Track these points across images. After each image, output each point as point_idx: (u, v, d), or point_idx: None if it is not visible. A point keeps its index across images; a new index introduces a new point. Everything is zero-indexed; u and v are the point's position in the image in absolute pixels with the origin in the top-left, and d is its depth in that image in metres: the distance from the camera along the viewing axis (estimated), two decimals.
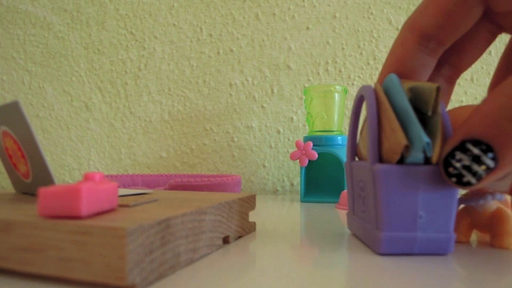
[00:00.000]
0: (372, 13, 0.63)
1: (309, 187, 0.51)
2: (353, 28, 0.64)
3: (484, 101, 0.18)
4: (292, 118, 0.65)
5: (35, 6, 0.73)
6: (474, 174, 0.17)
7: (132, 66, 0.70)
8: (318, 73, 0.64)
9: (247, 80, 0.66)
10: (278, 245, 0.24)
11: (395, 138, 0.20)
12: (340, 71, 0.64)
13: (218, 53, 0.67)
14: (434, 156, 0.20)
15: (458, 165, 0.17)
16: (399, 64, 0.22)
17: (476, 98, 0.61)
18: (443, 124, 0.21)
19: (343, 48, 0.64)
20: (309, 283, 0.17)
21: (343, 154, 0.49)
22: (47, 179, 0.24)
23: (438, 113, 0.21)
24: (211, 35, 0.67)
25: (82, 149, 0.71)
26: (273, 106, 0.65)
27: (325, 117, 0.52)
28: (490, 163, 0.16)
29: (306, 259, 0.22)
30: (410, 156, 0.20)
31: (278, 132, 0.65)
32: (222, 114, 0.67)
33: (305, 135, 0.57)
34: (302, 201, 0.49)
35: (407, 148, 0.20)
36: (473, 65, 0.61)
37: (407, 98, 0.22)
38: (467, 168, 0.17)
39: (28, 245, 0.17)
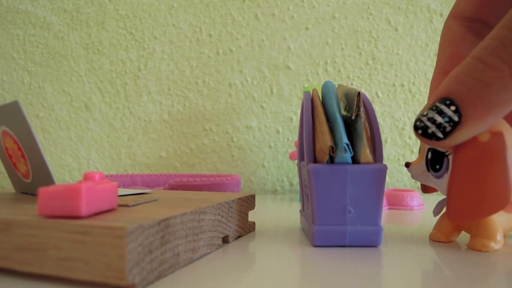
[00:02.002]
0: (371, 14, 0.63)
1: None
2: (352, 28, 0.64)
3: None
4: (291, 118, 0.65)
5: (35, 6, 0.73)
6: (439, 126, 0.18)
7: (131, 66, 0.70)
8: (317, 73, 0.65)
9: (247, 80, 0.66)
10: (277, 245, 0.25)
11: (324, 140, 0.23)
12: (339, 71, 0.64)
13: (218, 53, 0.67)
14: (362, 156, 0.23)
15: (424, 118, 0.18)
16: (453, 48, 0.22)
17: None
18: (368, 126, 0.23)
19: (342, 48, 0.64)
20: (309, 282, 0.17)
21: None
22: (47, 179, 0.24)
23: (360, 116, 0.23)
24: (210, 35, 0.67)
25: (82, 149, 0.71)
26: (272, 106, 0.66)
27: None
28: (454, 116, 0.17)
29: (306, 259, 0.22)
30: (337, 156, 0.23)
31: (278, 132, 0.65)
32: (221, 114, 0.67)
33: None
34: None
35: (333, 149, 0.23)
36: None
37: (336, 103, 0.24)
38: (432, 121, 0.18)
39: (28, 244, 0.17)
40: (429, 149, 0.24)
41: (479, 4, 0.22)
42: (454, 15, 0.23)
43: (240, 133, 0.66)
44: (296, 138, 0.65)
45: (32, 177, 0.26)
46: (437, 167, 0.23)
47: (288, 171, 0.65)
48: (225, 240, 0.25)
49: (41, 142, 0.72)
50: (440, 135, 0.18)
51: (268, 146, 0.65)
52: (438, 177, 0.23)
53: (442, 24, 0.62)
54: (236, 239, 0.26)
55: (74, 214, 0.17)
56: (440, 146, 0.19)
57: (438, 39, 0.62)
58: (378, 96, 0.63)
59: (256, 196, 0.58)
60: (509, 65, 0.16)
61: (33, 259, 0.17)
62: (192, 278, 0.18)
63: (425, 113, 0.18)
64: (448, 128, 0.17)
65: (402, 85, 0.63)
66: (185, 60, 0.68)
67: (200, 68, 0.68)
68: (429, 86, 0.24)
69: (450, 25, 0.23)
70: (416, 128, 0.18)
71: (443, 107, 0.17)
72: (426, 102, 0.62)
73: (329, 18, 0.64)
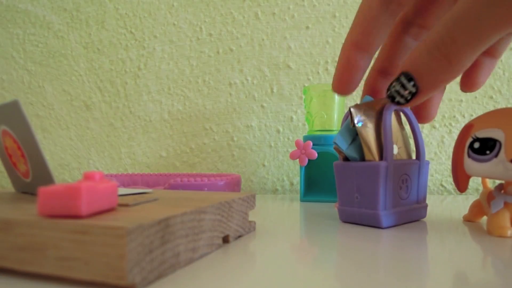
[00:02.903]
0: None
1: (308, 187, 0.51)
2: None
3: None
4: (291, 118, 0.65)
5: (35, 5, 0.72)
6: (402, 96, 0.24)
7: (131, 65, 0.70)
8: (318, 73, 0.64)
9: (247, 80, 0.66)
10: (277, 245, 0.24)
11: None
12: None
13: (218, 52, 0.67)
14: (366, 155, 0.29)
15: (392, 89, 0.25)
16: (365, 24, 0.27)
17: (475, 97, 0.61)
18: (363, 133, 0.29)
19: None
20: (309, 282, 0.17)
21: None
22: (47, 179, 0.24)
23: (355, 126, 0.29)
24: (210, 35, 0.67)
25: (82, 148, 0.71)
26: (272, 105, 0.65)
27: (325, 116, 0.52)
28: (412, 89, 0.24)
29: (306, 258, 0.22)
30: (346, 155, 0.30)
31: (278, 131, 0.65)
32: (221, 114, 0.67)
33: (304, 134, 0.57)
34: (302, 200, 0.49)
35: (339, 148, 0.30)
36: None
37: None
38: (397, 92, 0.25)
39: (28, 244, 0.17)
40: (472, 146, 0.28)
41: (371, 38, 0.27)
42: (352, 43, 0.28)
43: (240, 133, 0.66)
44: (296, 137, 0.64)
45: (32, 177, 0.26)
46: (487, 152, 0.27)
47: (288, 170, 0.65)
48: (226, 239, 0.25)
49: (41, 142, 0.72)
50: (403, 102, 0.25)
51: (268, 146, 0.65)
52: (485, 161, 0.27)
53: None
54: (236, 238, 0.26)
55: (74, 213, 0.17)
56: (405, 107, 0.26)
57: None
58: None
59: (256, 195, 0.58)
60: (448, 59, 0.22)
61: (33, 259, 0.17)
62: (192, 278, 0.18)
63: (393, 85, 0.25)
64: (409, 97, 0.24)
65: None
66: (185, 59, 0.68)
67: (200, 67, 0.68)
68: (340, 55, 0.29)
69: (370, 2, 0.27)
70: (388, 96, 0.25)
71: (405, 82, 0.24)
72: None
73: (330, 17, 0.64)
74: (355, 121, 0.29)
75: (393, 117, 0.32)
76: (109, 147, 0.70)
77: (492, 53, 0.27)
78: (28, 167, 0.26)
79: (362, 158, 0.30)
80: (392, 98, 0.25)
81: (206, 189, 0.41)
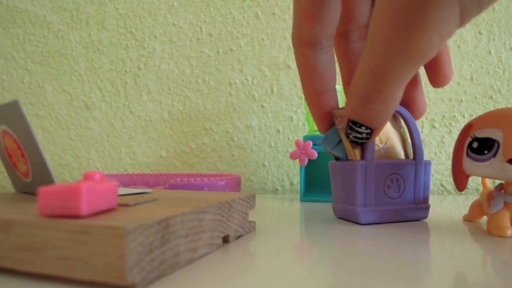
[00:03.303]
0: None
1: (308, 187, 0.51)
2: None
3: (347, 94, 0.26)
4: (291, 118, 0.65)
5: (35, 5, 0.73)
6: (362, 139, 0.26)
7: (131, 65, 0.70)
8: None
9: (247, 80, 0.66)
10: (278, 244, 0.24)
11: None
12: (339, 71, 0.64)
13: (218, 52, 0.67)
14: (349, 155, 0.31)
15: (351, 137, 0.27)
16: (314, 74, 0.27)
17: (475, 97, 0.61)
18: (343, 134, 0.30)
19: None
20: (309, 282, 0.17)
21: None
22: (47, 178, 0.24)
23: (339, 128, 0.30)
24: (210, 35, 0.67)
25: (82, 148, 0.71)
26: (272, 105, 0.65)
27: None
28: (367, 131, 0.25)
29: (306, 258, 0.22)
30: (334, 155, 0.33)
31: (278, 131, 0.65)
32: (221, 114, 0.67)
33: (304, 134, 0.57)
34: (302, 200, 0.49)
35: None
36: (472, 65, 0.61)
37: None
38: (356, 137, 0.26)
39: (28, 244, 0.17)
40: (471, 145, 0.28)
41: (322, 27, 0.25)
42: (302, 43, 0.26)
43: (240, 133, 0.66)
44: (296, 137, 0.64)
45: (32, 177, 0.26)
46: (485, 152, 0.27)
47: (288, 170, 0.65)
48: (226, 239, 0.25)
49: (41, 142, 0.72)
50: (364, 141, 0.27)
51: (268, 146, 0.65)
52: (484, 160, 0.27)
53: None
54: (236, 238, 0.26)
55: (74, 213, 0.17)
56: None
57: None
58: None
59: (256, 195, 0.58)
60: (381, 104, 0.23)
61: (33, 259, 0.17)
62: (192, 278, 0.18)
63: (349, 132, 0.27)
64: (368, 137, 0.26)
65: None
66: (185, 59, 0.68)
67: (200, 67, 0.68)
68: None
69: (304, 54, 0.27)
70: (350, 141, 0.27)
71: (357, 129, 0.26)
72: (426, 101, 0.61)
73: None
74: (336, 123, 0.30)
75: None
76: (109, 147, 0.70)
77: None
78: (28, 167, 0.26)
79: (348, 158, 0.31)
80: (355, 143, 0.27)
81: (206, 189, 0.41)
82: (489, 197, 0.30)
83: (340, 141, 0.31)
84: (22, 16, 0.73)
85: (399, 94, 0.23)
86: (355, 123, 0.25)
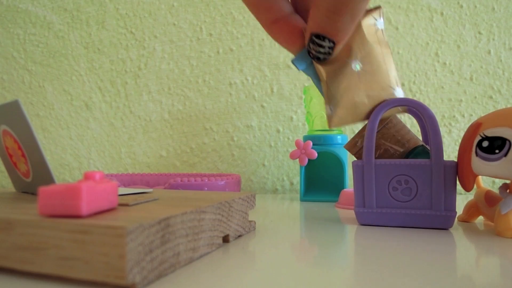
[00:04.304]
0: None
1: (308, 186, 0.51)
2: None
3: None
4: (291, 117, 0.65)
5: (35, 6, 0.73)
6: (325, 53, 0.26)
7: (132, 65, 0.70)
8: None
9: (247, 80, 0.66)
10: (277, 244, 0.25)
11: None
12: None
13: (218, 52, 0.67)
14: (319, 75, 0.29)
15: (313, 52, 0.26)
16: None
17: (475, 97, 0.61)
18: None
19: None
20: (308, 282, 0.17)
21: (342, 153, 0.49)
22: (47, 178, 0.24)
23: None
24: (211, 35, 0.67)
25: (82, 148, 0.71)
26: (272, 105, 0.66)
27: (325, 116, 0.52)
28: (329, 44, 0.25)
29: (306, 258, 0.22)
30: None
31: (278, 131, 0.65)
32: (222, 113, 0.67)
33: (304, 134, 0.57)
34: (302, 200, 0.49)
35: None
36: (472, 65, 0.61)
37: None
38: (319, 52, 0.26)
39: (29, 244, 0.17)
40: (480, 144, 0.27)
41: None
42: None
43: (240, 132, 0.66)
44: (296, 137, 0.65)
45: (33, 176, 0.26)
46: (496, 151, 0.26)
47: (288, 170, 0.65)
48: (226, 239, 0.25)
49: (41, 141, 0.72)
50: (327, 56, 0.26)
51: (268, 146, 0.65)
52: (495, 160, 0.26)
53: (443, 23, 0.62)
54: (236, 238, 0.26)
55: (74, 213, 0.17)
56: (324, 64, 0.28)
57: (439, 38, 0.62)
58: None
59: (256, 195, 0.58)
60: (351, 15, 0.23)
61: (34, 258, 0.17)
62: (192, 277, 0.18)
63: (311, 46, 0.26)
64: (329, 51, 0.26)
65: (403, 85, 0.63)
66: (186, 59, 0.68)
67: (200, 67, 0.68)
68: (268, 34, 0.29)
69: None
70: (312, 57, 0.27)
71: (320, 42, 0.25)
72: (426, 101, 0.61)
73: None
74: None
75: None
76: (109, 147, 0.70)
77: None
78: (28, 166, 0.26)
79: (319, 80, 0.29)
80: (317, 59, 0.27)
81: (206, 189, 0.41)
82: (487, 197, 0.30)
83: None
84: (23, 16, 0.73)
85: (365, 5, 0.23)
86: (318, 36, 0.25)
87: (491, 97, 0.61)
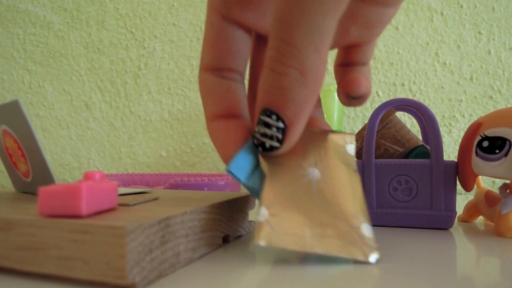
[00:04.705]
0: None
1: None
2: None
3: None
4: None
5: (35, 5, 0.73)
6: (271, 137, 0.19)
7: (132, 65, 0.70)
8: None
9: (247, 80, 0.66)
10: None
11: None
12: None
13: None
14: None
15: (257, 135, 0.19)
16: (213, 97, 0.23)
17: (475, 97, 0.61)
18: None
19: None
20: (308, 282, 0.17)
21: None
22: (47, 178, 0.24)
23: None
24: None
25: (82, 148, 0.71)
26: None
27: (325, 116, 0.52)
28: (279, 124, 0.18)
29: (306, 258, 0.22)
30: None
31: None
32: None
33: None
34: None
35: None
36: (472, 65, 0.61)
37: None
38: (264, 135, 0.19)
39: (28, 244, 0.17)
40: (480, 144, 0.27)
41: (222, 55, 0.22)
42: (205, 68, 0.22)
43: None
44: None
45: (32, 176, 0.26)
46: (497, 151, 0.26)
47: None
48: (226, 239, 0.25)
49: (41, 141, 0.72)
50: (276, 144, 0.19)
51: None
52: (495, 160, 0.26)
53: (443, 23, 0.62)
54: (236, 238, 0.26)
55: (74, 213, 0.17)
56: (281, 153, 0.20)
57: (439, 38, 0.62)
58: (378, 96, 0.63)
59: None
60: (295, 68, 0.17)
61: (34, 259, 0.17)
62: (192, 277, 0.18)
63: (256, 131, 0.19)
64: (280, 136, 0.19)
65: (403, 84, 0.63)
66: (186, 59, 0.68)
67: None
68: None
69: (204, 78, 0.23)
70: (256, 146, 0.20)
71: (266, 119, 0.19)
72: (426, 101, 0.61)
73: None
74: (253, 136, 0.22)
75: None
76: (109, 146, 0.70)
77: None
78: (28, 166, 0.26)
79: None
80: (262, 146, 0.19)
81: (206, 189, 0.41)
82: (487, 197, 0.30)
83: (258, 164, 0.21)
84: (23, 16, 0.73)
85: (319, 58, 0.18)
86: (266, 111, 0.19)
87: (491, 97, 0.61)
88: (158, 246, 0.17)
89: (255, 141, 0.20)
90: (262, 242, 0.18)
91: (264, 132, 0.19)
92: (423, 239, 0.26)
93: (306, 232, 0.19)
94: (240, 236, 0.27)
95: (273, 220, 0.19)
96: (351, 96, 0.23)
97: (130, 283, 0.15)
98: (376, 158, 0.31)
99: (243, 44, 0.22)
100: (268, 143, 0.19)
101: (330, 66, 0.64)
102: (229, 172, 0.20)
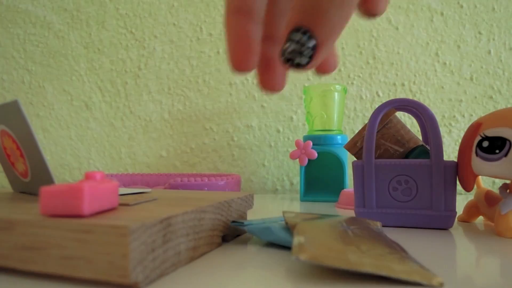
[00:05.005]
0: None
1: (308, 186, 0.51)
2: (353, 27, 0.64)
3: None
4: (291, 118, 0.65)
5: (35, 6, 0.73)
6: (301, 54, 0.19)
7: (132, 65, 0.70)
8: None
9: (247, 80, 0.66)
10: (277, 244, 0.25)
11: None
12: (339, 70, 0.64)
13: (218, 52, 0.67)
14: None
15: (287, 52, 0.20)
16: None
17: (475, 97, 0.61)
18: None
19: (342, 48, 0.64)
20: (308, 282, 0.17)
21: (342, 153, 0.49)
22: (47, 178, 0.24)
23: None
24: (211, 35, 0.67)
25: (82, 148, 0.71)
26: (273, 105, 0.66)
27: (325, 116, 0.52)
28: (310, 42, 0.19)
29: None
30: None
31: (278, 131, 0.65)
32: (222, 114, 0.67)
33: (304, 134, 0.57)
34: (302, 200, 0.49)
35: None
36: (472, 65, 0.61)
37: None
38: (294, 52, 0.19)
39: (31, 243, 0.17)
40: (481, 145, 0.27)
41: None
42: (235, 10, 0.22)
43: (240, 133, 0.66)
44: (296, 137, 0.65)
45: (31, 176, 0.27)
46: (497, 151, 0.26)
47: (288, 170, 0.65)
48: (225, 238, 0.25)
49: (41, 142, 0.72)
50: (305, 61, 0.20)
51: (268, 146, 0.65)
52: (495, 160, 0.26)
53: (443, 23, 0.62)
54: (235, 237, 0.26)
55: (76, 213, 0.17)
56: (307, 70, 0.21)
57: (439, 38, 0.62)
58: (378, 96, 0.63)
59: (256, 195, 0.58)
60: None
61: (36, 258, 0.17)
62: (193, 276, 0.18)
63: (286, 46, 0.19)
64: (310, 53, 0.19)
65: (403, 85, 0.63)
66: (186, 59, 0.68)
67: (200, 67, 0.68)
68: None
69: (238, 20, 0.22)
70: (285, 61, 0.20)
71: (299, 37, 0.19)
72: (426, 101, 0.62)
73: None
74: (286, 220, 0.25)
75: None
76: (109, 147, 0.70)
77: None
78: (27, 166, 0.26)
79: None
80: (291, 62, 0.20)
81: (206, 189, 0.41)
82: (487, 197, 0.30)
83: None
84: (23, 16, 0.73)
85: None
86: (299, 29, 0.19)
87: (491, 97, 0.61)
88: (160, 245, 0.17)
89: (283, 58, 0.20)
90: (302, 257, 0.17)
91: (293, 49, 0.19)
92: (423, 239, 0.26)
93: (348, 253, 0.19)
94: (239, 235, 0.27)
95: (311, 241, 0.20)
96: (371, 13, 0.22)
97: (133, 282, 0.15)
98: (376, 158, 0.31)
99: None
100: (297, 59, 0.20)
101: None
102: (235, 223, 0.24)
